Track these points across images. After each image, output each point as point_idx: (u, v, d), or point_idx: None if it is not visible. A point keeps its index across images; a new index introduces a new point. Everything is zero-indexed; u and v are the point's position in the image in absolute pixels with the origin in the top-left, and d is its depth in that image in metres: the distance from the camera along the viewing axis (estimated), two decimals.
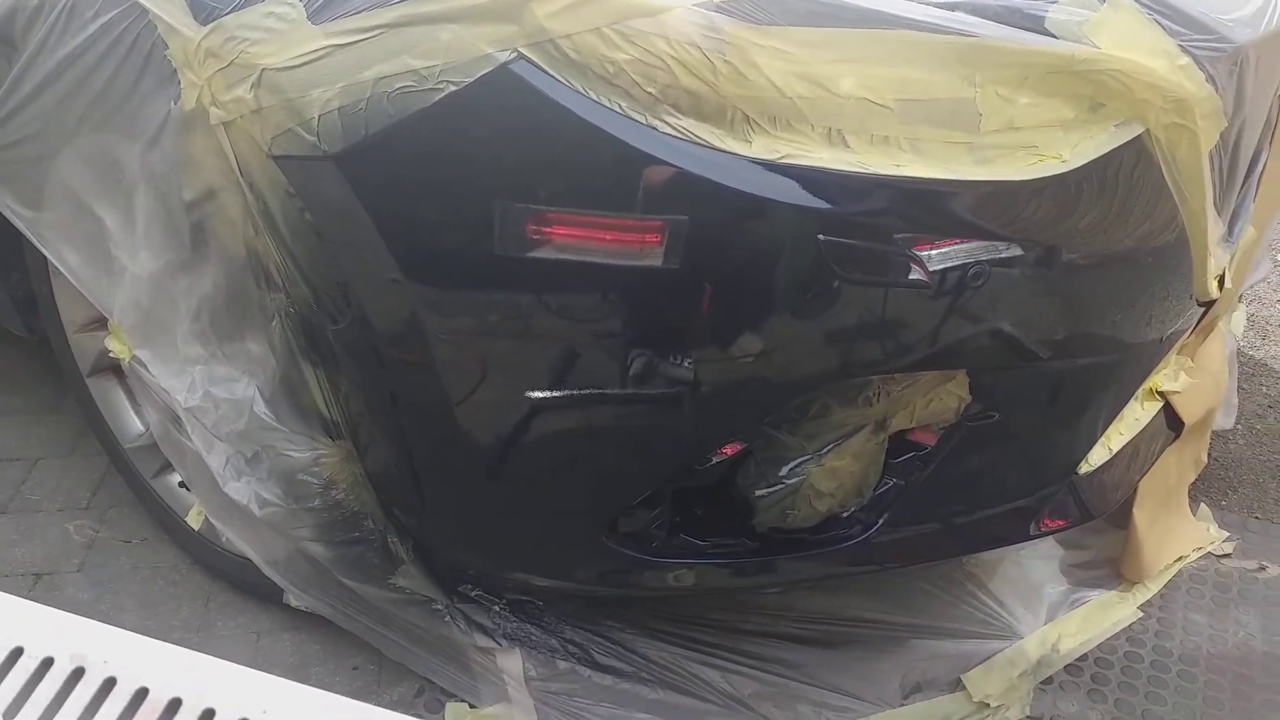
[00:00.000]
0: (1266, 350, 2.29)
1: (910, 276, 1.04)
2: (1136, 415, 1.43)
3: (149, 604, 1.58)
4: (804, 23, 0.97)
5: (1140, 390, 1.43)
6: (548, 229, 1.04)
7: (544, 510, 1.22)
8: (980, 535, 1.32)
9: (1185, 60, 1.07)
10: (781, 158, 1.00)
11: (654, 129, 0.99)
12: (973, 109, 1.03)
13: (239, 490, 1.32)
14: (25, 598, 0.57)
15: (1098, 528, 1.64)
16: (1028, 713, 1.41)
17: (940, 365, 1.13)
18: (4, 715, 0.47)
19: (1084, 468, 1.33)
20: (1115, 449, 1.37)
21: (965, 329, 1.09)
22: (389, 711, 0.52)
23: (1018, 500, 1.29)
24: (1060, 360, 1.19)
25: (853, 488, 1.19)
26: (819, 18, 0.98)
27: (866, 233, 1.03)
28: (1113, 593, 1.60)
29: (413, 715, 1.39)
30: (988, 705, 1.40)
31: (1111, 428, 1.36)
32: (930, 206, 1.04)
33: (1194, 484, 1.78)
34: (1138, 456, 1.47)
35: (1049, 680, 1.45)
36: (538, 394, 1.13)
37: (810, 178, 1.00)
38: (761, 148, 1.00)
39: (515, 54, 0.97)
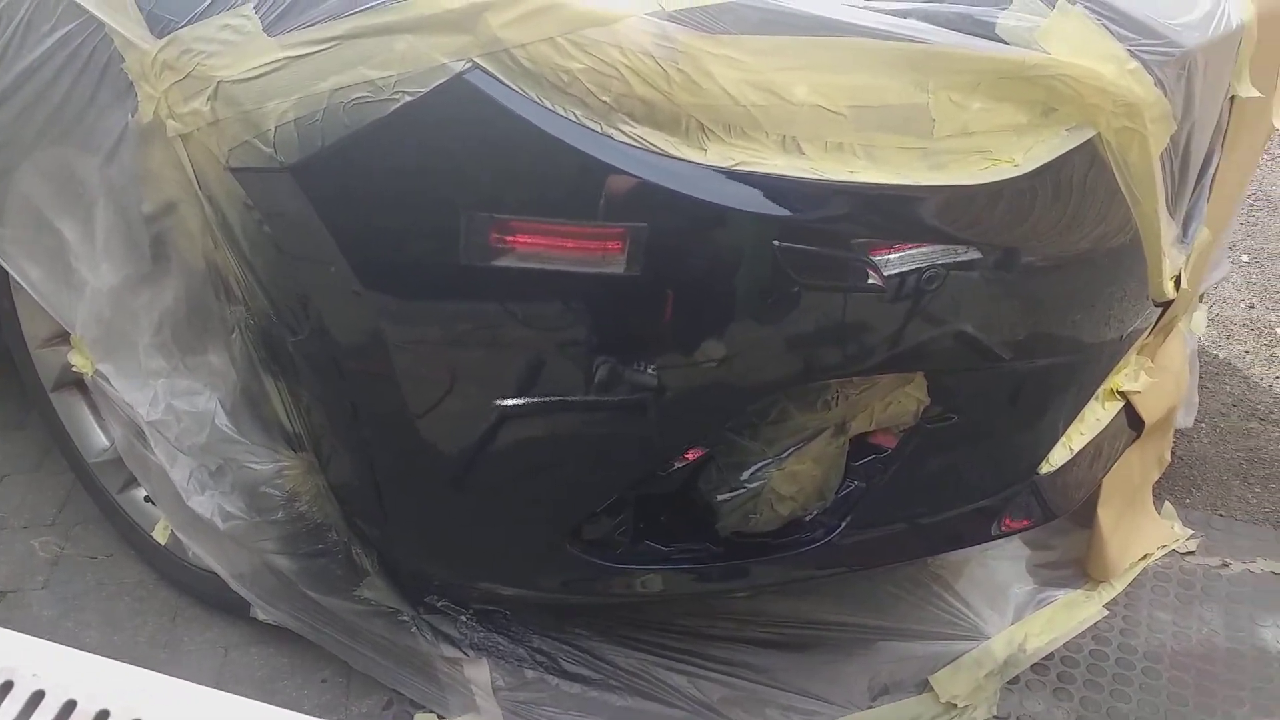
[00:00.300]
0: (1230, 349, 2.32)
1: (866, 281, 1.05)
2: (1097, 415, 1.45)
3: (114, 620, 1.56)
4: (756, 31, 0.98)
5: (1101, 390, 1.44)
6: (510, 238, 1.04)
7: (507, 519, 1.22)
8: (944, 536, 1.33)
9: (1134, 65, 1.09)
10: (736, 165, 1.01)
11: (609, 137, 0.99)
12: (926, 115, 1.05)
13: (203, 504, 1.32)
14: None
15: (1063, 527, 1.66)
16: (994, 712, 1.42)
17: (899, 368, 1.14)
18: None
19: (1045, 468, 1.34)
20: (1076, 449, 1.39)
21: (922, 332, 1.10)
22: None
23: (980, 501, 1.30)
24: (1019, 361, 1.20)
25: (814, 491, 1.20)
26: (771, 26, 0.99)
27: (822, 238, 1.04)
28: (1079, 592, 1.61)
29: None
30: (955, 706, 1.41)
31: (1072, 428, 1.38)
32: (885, 212, 1.05)
33: (1158, 482, 1.80)
34: (1099, 456, 1.49)
35: (1015, 680, 1.46)
36: (501, 402, 1.13)
37: (765, 185, 1.01)
38: (717, 155, 1.00)
39: (470, 64, 0.98)
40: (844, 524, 1.24)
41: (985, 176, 1.07)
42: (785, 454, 1.17)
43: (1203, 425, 2.05)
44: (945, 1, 1.05)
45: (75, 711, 0.50)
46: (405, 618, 1.35)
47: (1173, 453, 1.90)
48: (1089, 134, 1.10)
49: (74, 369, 1.52)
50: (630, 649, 1.39)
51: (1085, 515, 1.62)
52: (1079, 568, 1.64)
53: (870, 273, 1.05)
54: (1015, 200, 1.09)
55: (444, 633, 1.36)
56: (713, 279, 1.07)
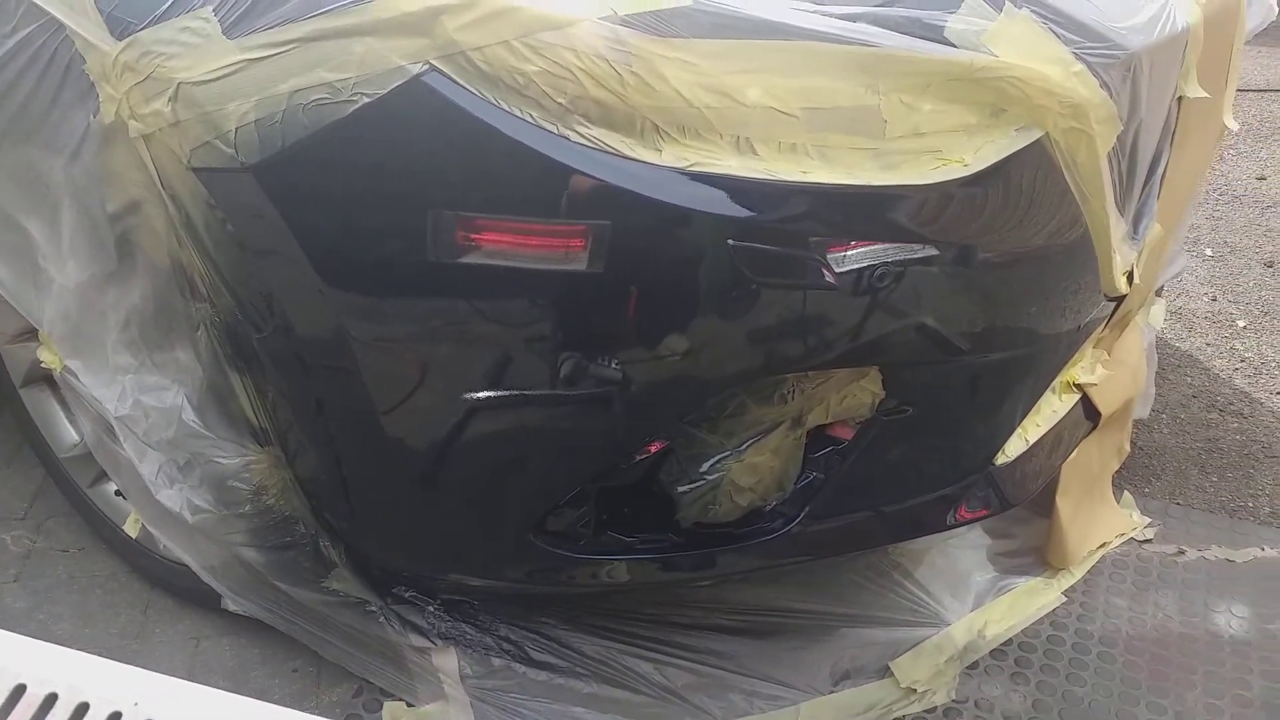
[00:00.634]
0: (1192, 342, 2.36)
1: (819, 279, 1.07)
2: (1054, 407, 1.48)
3: (86, 613, 1.58)
4: (708, 35, 1.00)
5: (1057, 383, 1.48)
6: (469, 236, 1.06)
7: (473, 511, 1.25)
8: (902, 525, 1.36)
9: (1079, 67, 1.12)
10: (691, 166, 1.03)
11: (566, 138, 1.01)
12: (878, 116, 1.07)
13: (171, 498, 1.33)
14: None
15: (1023, 516, 1.70)
16: (953, 697, 1.45)
17: (854, 363, 1.17)
18: None
19: (1002, 459, 1.37)
20: (1033, 440, 1.42)
21: (877, 327, 1.13)
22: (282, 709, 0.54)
23: (937, 491, 1.34)
24: (974, 355, 1.23)
25: (773, 482, 1.23)
26: (723, 30, 1.01)
27: (776, 237, 1.06)
28: (1038, 579, 1.65)
29: (351, 714, 1.41)
30: (915, 691, 1.44)
31: (1028, 419, 1.41)
32: (837, 211, 1.07)
33: (1119, 472, 1.84)
34: (1057, 446, 1.52)
35: (974, 665, 1.50)
36: (467, 397, 1.15)
37: (719, 185, 1.03)
38: (671, 156, 1.03)
39: (427, 66, 0.99)
40: (803, 514, 1.26)
41: (936, 176, 1.10)
42: (744, 446, 1.19)
43: (1163, 416, 2.09)
44: (894, 5, 1.07)
45: (56, 704, 0.52)
46: (374, 608, 1.38)
47: (1133, 443, 1.94)
48: (1037, 134, 1.13)
49: (43, 365, 1.53)
50: (597, 637, 1.42)
51: (1045, 504, 1.66)
52: (1039, 556, 1.68)
53: (824, 270, 1.08)
54: (966, 198, 1.12)
55: (412, 622, 1.39)
56: (671, 276, 1.09)
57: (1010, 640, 1.55)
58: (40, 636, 0.66)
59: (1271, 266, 2.71)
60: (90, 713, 0.54)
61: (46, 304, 1.36)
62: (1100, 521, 1.74)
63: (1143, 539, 1.76)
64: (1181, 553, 1.73)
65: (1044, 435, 1.44)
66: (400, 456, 1.20)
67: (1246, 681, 1.50)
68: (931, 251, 1.13)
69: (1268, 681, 1.50)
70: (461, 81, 0.99)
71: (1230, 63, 1.53)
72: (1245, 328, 2.42)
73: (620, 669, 1.41)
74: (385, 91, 1.00)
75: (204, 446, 1.26)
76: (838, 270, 1.08)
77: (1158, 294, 1.90)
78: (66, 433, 1.64)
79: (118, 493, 1.60)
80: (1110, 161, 1.20)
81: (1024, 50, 1.10)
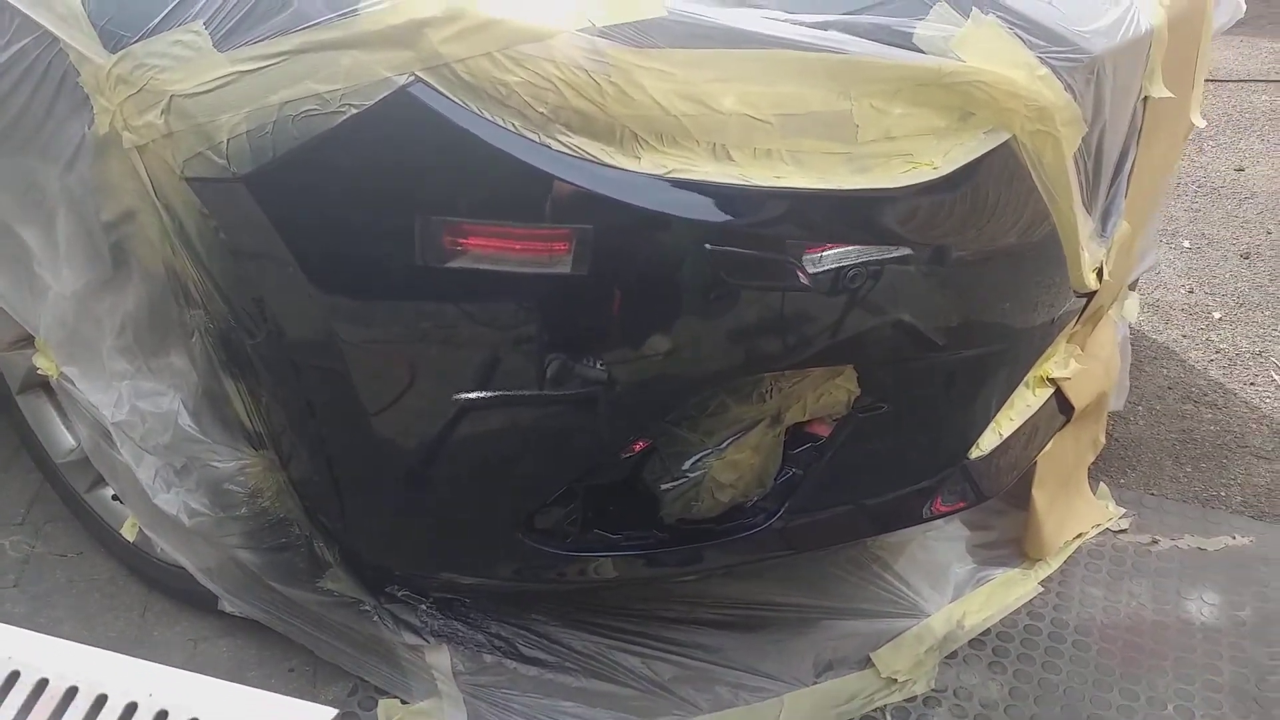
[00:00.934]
0: (1169, 334, 2.41)
1: (793, 280, 1.11)
2: (1027, 401, 1.52)
3: (86, 616, 1.60)
4: (684, 45, 1.04)
5: (1030, 377, 1.52)
6: (456, 241, 1.09)
7: (462, 511, 1.28)
8: (880, 518, 1.40)
9: (1044, 71, 1.16)
10: (669, 172, 1.06)
11: (547, 146, 1.04)
12: (850, 121, 1.11)
13: (168, 501, 1.36)
14: None
15: (1001, 509, 1.74)
16: (933, 686, 1.49)
17: (830, 361, 1.20)
18: None
19: (976, 453, 1.41)
20: (1006, 434, 1.46)
21: (851, 326, 1.16)
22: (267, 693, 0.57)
23: (913, 484, 1.37)
24: (947, 352, 1.27)
25: (753, 478, 1.26)
26: (698, 40, 1.04)
27: (751, 240, 1.10)
28: (1016, 570, 1.69)
29: (347, 712, 1.44)
30: (895, 680, 1.48)
31: (1002, 414, 1.45)
32: (810, 214, 1.11)
33: (1095, 464, 1.89)
34: (1032, 440, 1.56)
35: (953, 654, 1.54)
36: (455, 398, 1.18)
37: (696, 190, 1.07)
38: (650, 163, 1.06)
39: (413, 78, 1.03)
40: (783, 509, 1.30)
41: (907, 179, 1.14)
42: (724, 444, 1.23)
43: (1139, 408, 2.14)
44: (864, 13, 1.11)
45: (77, 696, 0.55)
46: (367, 607, 1.41)
47: (1109, 435, 1.98)
48: (1005, 137, 1.17)
49: (39, 372, 1.55)
50: (585, 632, 1.45)
51: (1022, 497, 1.70)
52: (1016, 547, 1.72)
53: (799, 272, 1.11)
54: (937, 200, 1.16)
55: (405, 621, 1.42)
56: (652, 279, 1.12)
57: (988, 630, 1.59)
58: None
59: (1248, 258, 2.76)
60: (108, 704, 0.57)
61: (43, 311, 1.38)
62: (1076, 513, 1.78)
63: (1118, 529, 1.80)
64: (1155, 542, 1.78)
65: (1018, 429, 1.48)
66: (391, 458, 1.23)
67: (1216, 667, 1.54)
68: (904, 251, 1.16)
69: (1236, 667, 1.54)
70: (446, 92, 1.03)
71: (1197, 62, 1.57)
72: (1221, 319, 2.47)
73: (609, 663, 1.44)
74: (372, 102, 1.03)
75: (200, 451, 1.29)
76: (812, 271, 1.12)
77: (1131, 289, 1.94)
78: (63, 438, 1.67)
79: (115, 497, 1.63)
80: (1076, 162, 1.24)
81: (990, 55, 1.13)
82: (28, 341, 1.60)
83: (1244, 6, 1.71)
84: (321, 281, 1.12)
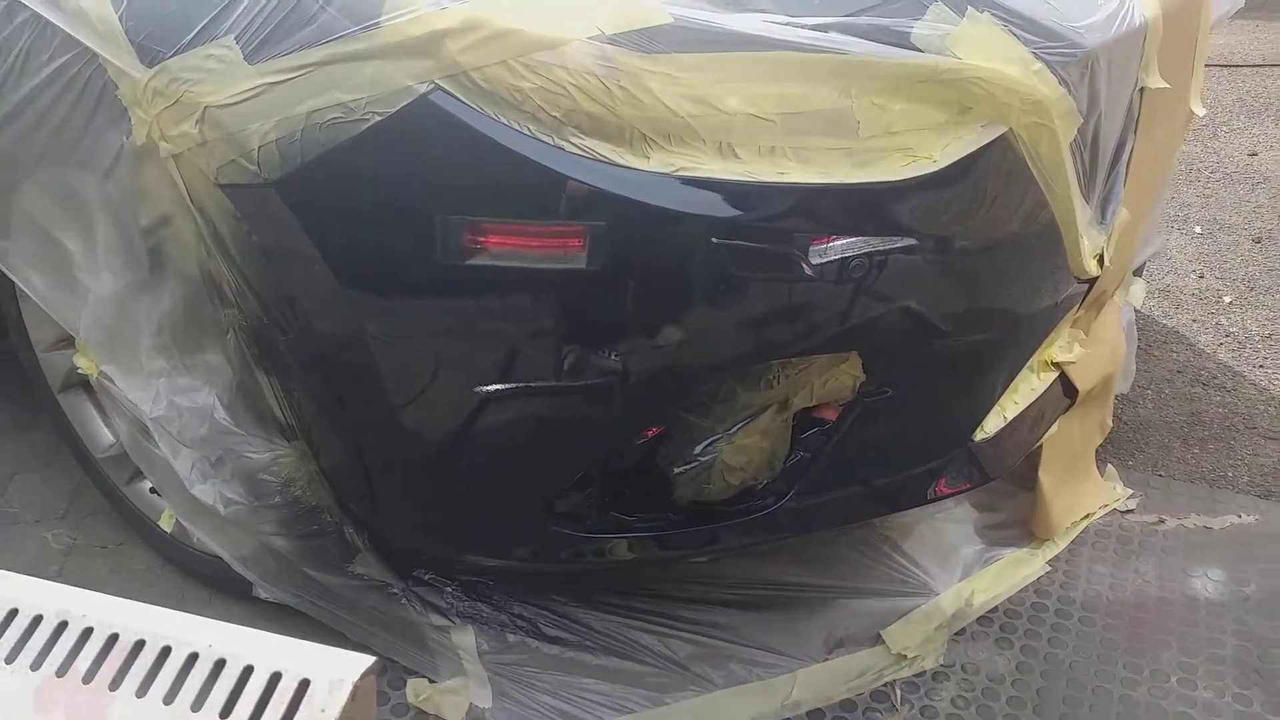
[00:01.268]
0: (1178, 318, 2.44)
1: (797, 271, 1.16)
2: (1032, 385, 1.56)
3: None
4: (689, 49, 1.09)
5: (1035, 362, 1.56)
6: (478, 240, 1.15)
7: (487, 496, 1.33)
8: (887, 499, 1.45)
9: (1039, 66, 1.20)
10: (677, 170, 1.11)
11: (561, 148, 1.10)
12: (851, 118, 1.15)
13: (205, 492, 1.43)
14: None
15: (1009, 491, 1.78)
16: (941, 662, 1.54)
17: (835, 348, 1.25)
18: (6, 658, 0.60)
19: (980, 435, 1.46)
20: (1011, 417, 1.50)
21: (854, 314, 1.21)
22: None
23: (919, 466, 1.42)
24: (950, 338, 1.31)
25: (763, 462, 1.32)
26: (703, 44, 1.09)
27: (756, 234, 1.14)
28: (1023, 550, 1.73)
29: (377, 692, 1.50)
30: (905, 657, 1.53)
31: (1006, 397, 1.49)
32: (814, 208, 1.16)
33: (1103, 446, 1.92)
34: (1037, 423, 1.60)
35: (961, 632, 1.58)
36: (479, 390, 1.24)
37: (703, 187, 1.12)
38: (659, 162, 1.11)
39: (433, 86, 1.08)
40: (792, 491, 1.35)
41: (907, 172, 1.18)
42: (734, 429, 1.28)
43: (1148, 391, 2.17)
44: (863, 15, 1.16)
45: (144, 649, 0.62)
46: (396, 590, 1.47)
47: (1118, 418, 2.02)
48: (1002, 130, 1.21)
49: (79, 371, 1.62)
50: (604, 612, 1.51)
51: (1030, 479, 1.74)
52: (1024, 528, 1.76)
53: (803, 263, 1.16)
54: (937, 192, 1.20)
55: (432, 603, 1.48)
56: (663, 273, 1.17)
57: (996, 608, 1.63)
58: None
59: (1259, 242, 2.78)
60: (172, 654, 0.64)
61: (83, 313, 1.45)
62: (1083, 494, 1.82)
63: (1125, 509, 1.84)
64: (1162, 521, 1.81)
65: (1023, 412, 1.52)
66: (417, 447, 1.29)
67: (1220, 641, 1.58)
68: (906, 241, 1.21)
69: (1240, 640, 1.58)
70: (465, 99, 1.08)
71: (1196, 51, 1.61)
72: (1231, 303, 2.49)
73: (627, 642, 1.50)
74: (395, 110, 1.09)
75: (235, 443, 1.36)
76: (815, 263, 1.16)
77: (1137, 274, 1.97)
78: (102, 434, 1.74)
79: (153, 490, 1.70)
80: (1073, 152, 1.28)
81: (986, 52, 1.18)
82: (68, 342, 1.67)
83: None
84: (349, 280, 1.18)
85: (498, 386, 1.23)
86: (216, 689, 0.63)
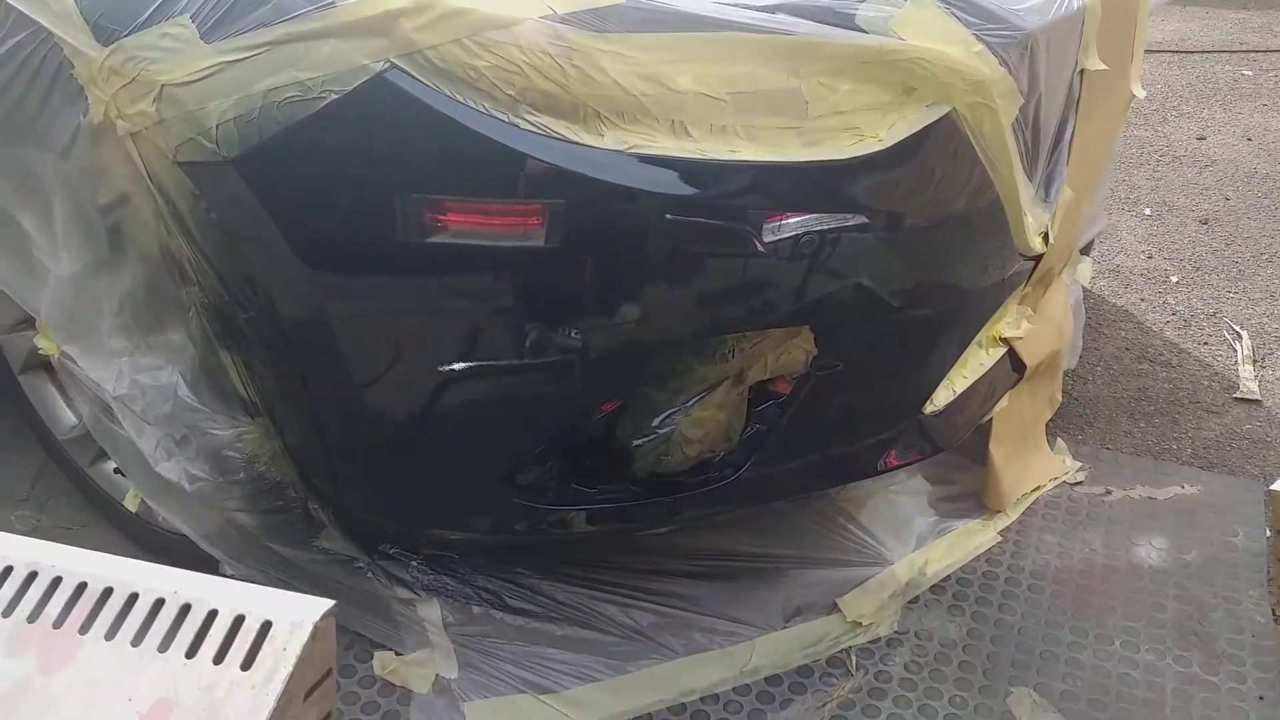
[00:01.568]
0: (1127, 297, 2.50)
1: (749, 247, 1.19)
2: (980, 359, 1.61)
3: None
4: (640, 29, 1.12)
5: (984, 337, 1.61)
6: (435, 217, 1.17)
7: (448, 471, 1.36)
8: (840, 469, 1.49)
9: (980, 47, 1.24)
10: (630, 148, 1.14)
11: (516, 125, 1.12)
12: (800, 98, 1.19)
13: (170, 469, 1.44)
14: None
15: (962, 464, 1.83)
16: (895, 629, 1.58)
17: (786, 323, 1.29)
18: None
19: (930, 407, 1.50)
20: (960, 390, 1.55)
21: (804, 289, 1.25)
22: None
23: (871, 437, 1.46)
24: (899, 312, 1.35)
25: (720, 434, 1.35)
26: (653, 24, 1.12)
27: (709, 211, 1.18)
28: (976, 521, 1.78)
29: (344, 665, 1.53)
30: (860, 624, 1.58)
31: (955, 371, 1.54)
32: (763, 185, 1.19)
33: (1054, 421, 1.98)
34: (987, 396, 1.65)
35: (915, 600, 1.63)
36: (440, 368, 1.26)
37: (656, 164, 1.15)
38: (613, 140, 1.14)
39: (388, 64, 1.10)
40: (749, 463, 1.39)
41: (854, 150, 1.22)
42: (691, 402, 1.32)
43: (1097, 369, 2.23)
44: None
45: (112, 595, 0.65)
46: (361, 565, 1.49)
47: (1068, 394, 2.08)
48: (946, 110, 1.25)
49: (41, 352, 1.63)
50: (568, 584, 1.54)
51: (981, 452, 1.79)
52: (976, 500, 1.81)
53: (754, 239, 1.20)
54: (883, 169, 1.24)
55: (397, 577, 1.50)
56: (618, 249, 1.20)
57: (949, 576, 1.68)
58: None
59: (1206, 224, 2.85)
60: (139, 600, 0.67)
61: (43, 293, 1.46)
62: (1034, 467, 1.88)
63: (1074, 482, 1.90)
64: (1109, 493, 1.87)
65: (972, 385, 1.57)
66: (379, 422, 1.31)
67: (1162, 605, 1.64)
68: (856, 218, 1.25)
69: (1181, 604, 1.64)
70: (420, 77, 1.10)
71: (1135, 34, 1.66)
72: (1178, 283, 2.57)
73: (590, 612, 1.53)
74: (351, 88, 1.10)
75: (199, 419, 1.37)
76: (768, 240, 1.20)
77: (1084, 253, 2.03)
78: (65, 416, 1.74)
79: (117, 470, 1.71)
80: (1015, 132, 1.33)
81: (929, 33, 1.22)
82: (29, 323, 1.67)
83: None
84: (308, 257, 1.19)
85: (459, 364, 1.26)
86: (182, 631, 0.67)
